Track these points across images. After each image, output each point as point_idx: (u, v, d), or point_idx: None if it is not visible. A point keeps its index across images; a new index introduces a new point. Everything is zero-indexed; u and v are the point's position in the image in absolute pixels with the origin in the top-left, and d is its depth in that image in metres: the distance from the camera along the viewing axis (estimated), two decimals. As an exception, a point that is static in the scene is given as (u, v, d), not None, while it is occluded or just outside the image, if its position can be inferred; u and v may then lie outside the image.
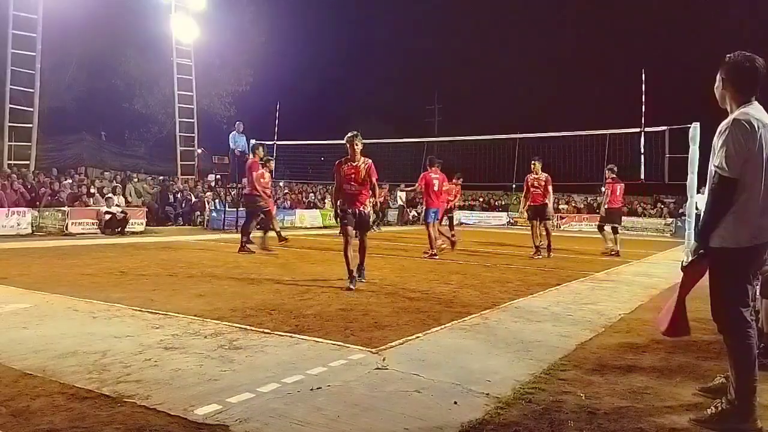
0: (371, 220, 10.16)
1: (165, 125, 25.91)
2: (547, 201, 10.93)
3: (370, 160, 6.69)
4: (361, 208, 6.67)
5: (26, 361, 3.33)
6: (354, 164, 6.64)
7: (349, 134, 6.67)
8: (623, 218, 13.72)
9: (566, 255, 11.48)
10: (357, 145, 6.64)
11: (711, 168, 2.75)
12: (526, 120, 24.48)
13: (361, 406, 2.80)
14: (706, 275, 2.80)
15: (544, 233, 10.97)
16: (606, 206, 11.76)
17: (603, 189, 14.03)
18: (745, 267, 2.71)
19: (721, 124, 2.74)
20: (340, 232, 8.18)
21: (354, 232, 6.66)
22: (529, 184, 10.98)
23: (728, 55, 2.82)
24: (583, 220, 22.81)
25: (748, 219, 2.65)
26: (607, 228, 11.91)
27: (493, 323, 4.78)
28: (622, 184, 11.84)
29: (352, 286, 6.30)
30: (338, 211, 6.73)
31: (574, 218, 23.80)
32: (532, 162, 11.02)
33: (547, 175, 10.96)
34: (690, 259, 2.80)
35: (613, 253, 11.42)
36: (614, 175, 11.76)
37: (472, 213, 26.59)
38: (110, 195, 14.64)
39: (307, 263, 8.72)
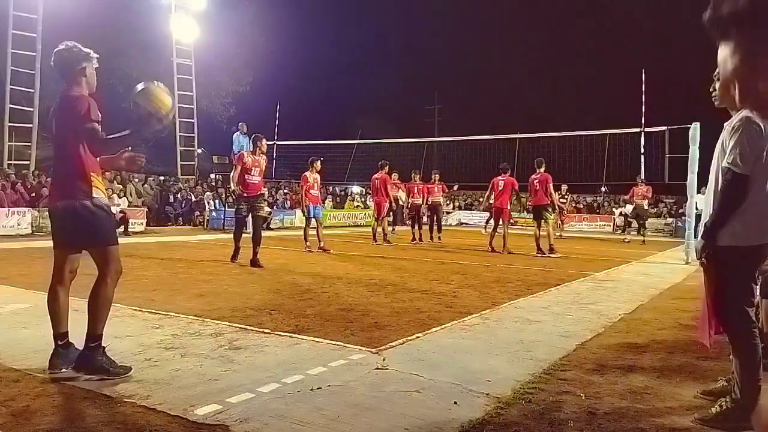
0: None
1: (165, 125, 25.85)
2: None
3: None
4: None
5: (26, 361, 3.33)
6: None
7: None
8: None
9: (566, 255, 11.47)
10: None
11: (721, 166, 2.74)
12: (526, 120, 24.53)
13: (361, 406, 2.80)
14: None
15: None
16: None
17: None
18: (752, 266, 2.71)
19: (733, 121, 2.72)
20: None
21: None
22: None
23: None
24: (583, 220, 22.79)
25: (756, 217, 2.66)
26: None
27: (493, 323, 4.78)
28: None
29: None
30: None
31: (575, 218, 23.80)
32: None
33: None
34: (698, 257, 2.77)
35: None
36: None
37: (472, 213, 26.56)
38: (111, 195, 14.66)
39: (307, 263, 8.72)
